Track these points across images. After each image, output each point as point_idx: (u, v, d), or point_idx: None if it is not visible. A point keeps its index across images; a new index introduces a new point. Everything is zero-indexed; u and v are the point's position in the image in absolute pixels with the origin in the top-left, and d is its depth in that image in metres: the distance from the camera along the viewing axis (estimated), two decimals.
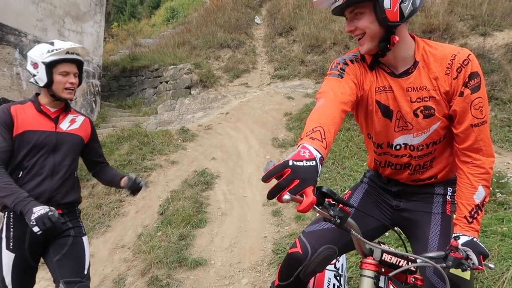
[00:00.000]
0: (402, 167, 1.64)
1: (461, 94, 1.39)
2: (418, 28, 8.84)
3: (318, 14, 11.37)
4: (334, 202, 1.14)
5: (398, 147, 1.59)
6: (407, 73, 1.48)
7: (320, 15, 11.24)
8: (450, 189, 1.64)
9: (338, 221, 1.12)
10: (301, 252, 1.62)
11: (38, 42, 7.37)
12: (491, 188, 3.67)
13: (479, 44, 7.72)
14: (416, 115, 1.48)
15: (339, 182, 4.80)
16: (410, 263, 1.28)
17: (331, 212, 1.12)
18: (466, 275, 1.37)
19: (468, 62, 1.38)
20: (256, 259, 3.78)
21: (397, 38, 1.40)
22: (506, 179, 4.03)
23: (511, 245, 2.77)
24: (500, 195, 3.68)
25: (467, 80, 1.37)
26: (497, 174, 4.12)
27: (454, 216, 1.50)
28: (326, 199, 1.12)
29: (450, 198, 1.63)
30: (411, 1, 1.35)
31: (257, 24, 13.61)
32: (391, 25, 1.36)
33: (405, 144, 1.56)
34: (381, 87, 1.54)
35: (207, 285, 3.45)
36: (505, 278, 2.48)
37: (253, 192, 5.06)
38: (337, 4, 1.38)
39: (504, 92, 6.55)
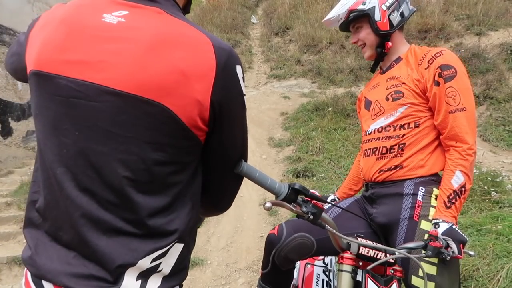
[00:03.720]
0: (371, 152, 1.71)
1: (437, 83, 1.51)
2: (413, 28, 8.88)
3: (314, 14, 11.38)
4: (307, 199, 1.15)
5: (370, 131, 1.73)
6: (389, 68, 1.74)
7: (316, 15, 11.25)
8: (422, 189, 1.56)
9: (311, 217, 1.13)
10: (276, 234, 1.68)
11: None
12: (486, 187, 3.72)
13: (474, 44, 7.76)
14: (387, 99, 1.65)
15: (335, 181, 4.82)
16: (388, 255, 1.28)
17: (304, 209, 1.12)
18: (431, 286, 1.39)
19: (440, 55, 1.53)
20: (252, 259, 3.78)
21: (390, 44, 1.68)
22: (500, 177, 4.05)
23: (505, 243, 2.78)
24: (495, 193, 3.69)
25: (439, 70, 1.50)
26: (492, 173, 4.15)
27: (423, 222, 1.50)
28: (299, 196, 1.13)
29: (422, 199, 1.55)
30: (399, 13, 1.64)
31: (253, 23, 13.60)
32: (384, 34, 1.65)
33: (376, 128, 1.70)
34: (373, 86, 1.81)
35: (204, 285, 3.45)
36: (500, 276, 2.50)
37: (249, 192, 5.07)
38: (341, 22, 1.73)
39: (499, 91, 6.59)
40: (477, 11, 8.78)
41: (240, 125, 0.93)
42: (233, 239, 4.16)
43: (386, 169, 1.64)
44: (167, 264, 0.83)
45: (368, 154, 1.73)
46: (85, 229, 0.76)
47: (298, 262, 1.96)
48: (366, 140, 1.75)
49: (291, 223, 1.71)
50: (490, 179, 3.96)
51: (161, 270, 0.82)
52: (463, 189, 1.44)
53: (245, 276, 3.54)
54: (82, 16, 0.81)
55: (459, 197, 1.43)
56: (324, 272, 1.95)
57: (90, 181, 0.77)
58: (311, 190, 1.15)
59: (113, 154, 0.76)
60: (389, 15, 1.62)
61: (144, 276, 0.79)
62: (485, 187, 3.80)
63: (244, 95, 0.89)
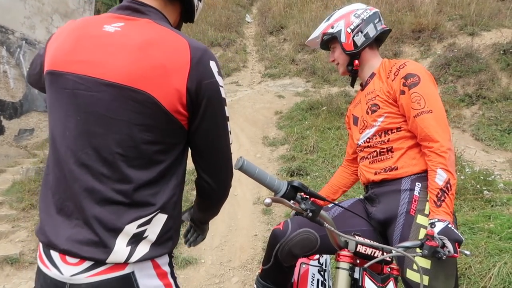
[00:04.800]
0: (365, 158, 1.83)
1: (403, 92, 1.63)
2: (407, 28, 8.92)
3: (308, 13, 11.40)
4: (306, 196, 1.16)
5: (360, 143, 1.85)
6: (366, 84, 1.87)
7: (311, 14, 11.27)
8: (419, 185, 1.62)
9: (310, 214, 1.15)
10: (281, 229, 1.73)
11: (26, 39, 7.28)
12: (478, 186, 3.75)
13: (467, 44, 7.81)
14: (367, 112, 1.79)
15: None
16: (385, 253, 1.29)
17: (303, 206, 1.14)
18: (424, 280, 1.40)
19: (404, 66, 1.67)
20: (246, 258, 3.79)
21: (356, 62, 1.84)
22: (493, 176, 4.09)
23: (497, 241, 2.81)
24: (487, 192, 3.73)
25: (404, 80, 1.63)
26: (484, 172, 4.18)
27: (419, 217, 1.54)
28: (298, 193, 1.14)
29: (418, 194, 1.61)
30: (363, 34, 1.79)
31: (248, 22, 13.59)
32: (353, 53, 1.81)
33: (364, 140, 1.82)
34: (357, 102, 1.93)
35: (198, 283, 3.45)
36: (492, 274, 2.52)
37: (243, 191, 5.07)
38: (318, 44, 1.94)
39: (491, 91, 6.65)
40: (470, 11, 8.84)
41: (218, 109, 1.05)
42: (227, 238, 4.16)
43: (381, 171, 1.72)
44: (153, 232, 0.96)
45: (363, 160, 1.84)
46: (81, 197, 0.92)
47: None
48: (359, 150, 1.88)
49: (296, 220, 1.74)
50: (482, 178, 4.00)
51: (147, 236, 0.95)
52: (448, 185, 1.47)
53: (239, 275, 3.54)
54: (88, 27, 1.01)
55: (447, 194, 1.46)
56: (319, 272, 1.95)
57: (88, 157, 0.93)
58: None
59: (108, 134, 0.93)
60: (353, 37, 1.79)
61: (133, 242, 0.93)
62: (478, 186, 3.83)
63: (221, 86, 1.04)
